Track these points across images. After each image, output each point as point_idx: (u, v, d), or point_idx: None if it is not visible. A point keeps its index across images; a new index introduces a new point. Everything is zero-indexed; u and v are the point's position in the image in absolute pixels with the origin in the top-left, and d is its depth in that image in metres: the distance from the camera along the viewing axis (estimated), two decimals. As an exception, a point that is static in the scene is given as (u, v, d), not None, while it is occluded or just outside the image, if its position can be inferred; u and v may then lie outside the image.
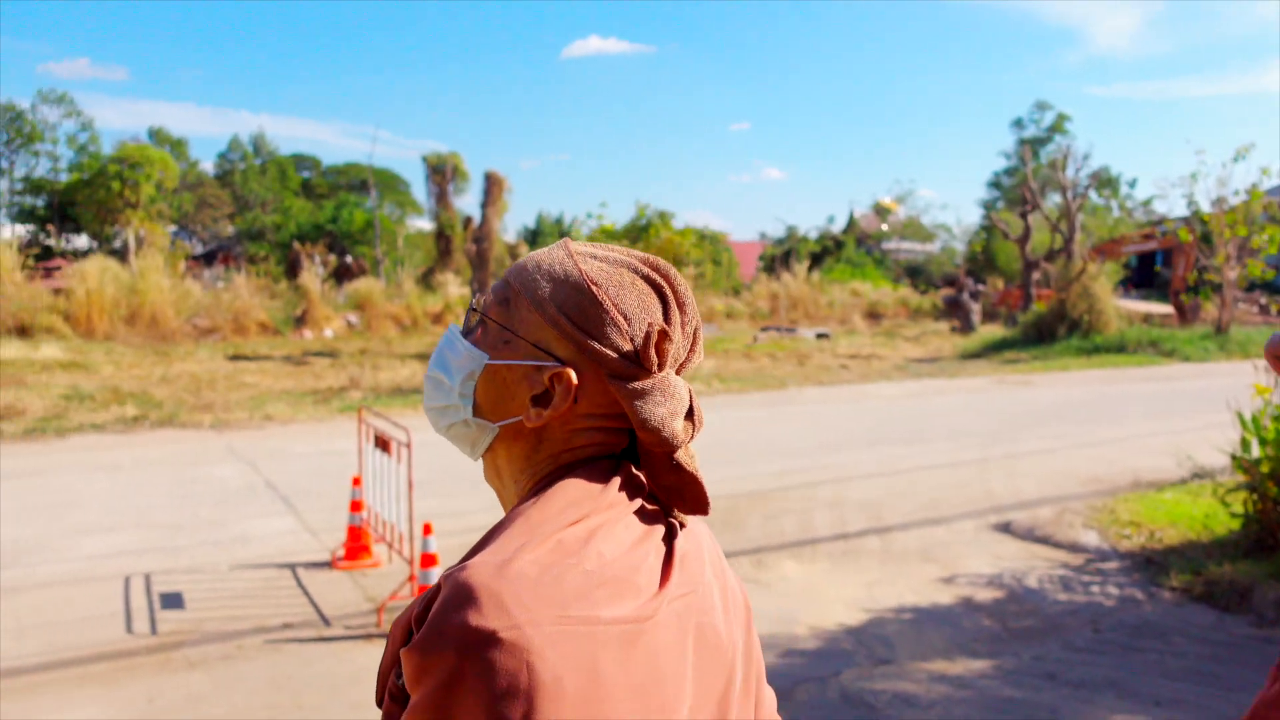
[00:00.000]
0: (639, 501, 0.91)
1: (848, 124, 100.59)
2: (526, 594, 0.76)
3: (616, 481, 0.90)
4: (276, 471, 8.69)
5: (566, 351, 0.90)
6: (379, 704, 0.87)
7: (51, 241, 37.04)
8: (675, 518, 0.93)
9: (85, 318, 21.77)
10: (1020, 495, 7.78)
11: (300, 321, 24.91)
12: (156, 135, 42.40)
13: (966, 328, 27.16)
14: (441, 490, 7.54)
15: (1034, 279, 27.55)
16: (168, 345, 21.62)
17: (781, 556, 6.12)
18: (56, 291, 22.81)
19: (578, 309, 0.89)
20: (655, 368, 0.89)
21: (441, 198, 31.04)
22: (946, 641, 4.68)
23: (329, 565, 5.88)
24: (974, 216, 66.66)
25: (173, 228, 38.11)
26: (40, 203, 38.50)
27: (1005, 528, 6.85)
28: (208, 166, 45.69)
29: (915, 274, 44.93)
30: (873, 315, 33.19)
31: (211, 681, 4.19)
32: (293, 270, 29.46)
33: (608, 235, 16.93)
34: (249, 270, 29.90)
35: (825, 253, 44.90)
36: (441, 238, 30.52)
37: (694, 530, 0.96)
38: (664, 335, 0.89)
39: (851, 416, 12.57)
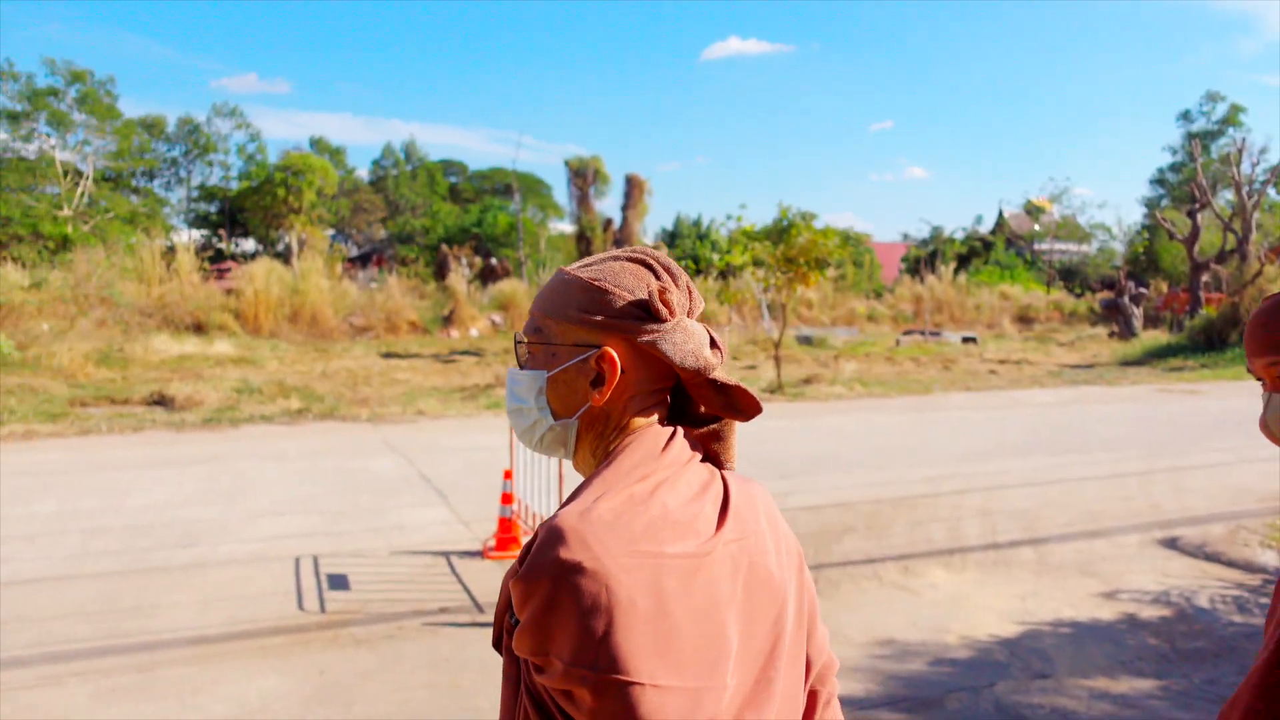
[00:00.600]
0: (694, 461, 1.08)
1: (997, 120, 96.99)
2: (604, 533, 0.95)
3: (673, 445, 1.07)
4: (429, 464, 9.06)
5: (599, 338, 1.08)
6: (495, 646, 1.05)
7: (223, 245, 39.70)
8: (726, 469, 1.12)
9: (253, 316, 23.27)
10: (1189, 510, 7.33)
11: (447, 321, 25.87)
12: (317, 144, 44.80)
13: (1127, 333, 25.76)
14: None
15: (1203, 281, 25.85)
16: (326, 342, 22.87)
17: (930, 564, 5.97)
18: (228, 292, 24.47)
19: (591, 302, 1.08)
20: (667, 316, 1.07)
21: (582, 200, 31.57)
22: (1108, 659, 4.47)
23: (480, 555, 6.10)
24: (1135, 215, 63.01)
25: (331, 231, 40.21)
26: (213, 209, 41.32)
27: (1172, 544, 6.47)
28: (363, 173, 48.01)
29: (1070, 276, 42.89)
30: (1023, 319, 31.88)
31: (377, 658, 4.42)
32: (441, 272, 30.62)
33: (748, 236, 16.87)
34: (400, 272, 31.23)
35: (972, 254, 43.40)
36: (582, 240, 31.07)
37: (748, 489, 1.13)
38: (663, 290, 1.08)
39: (1001, 424, 12.12)
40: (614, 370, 1.06)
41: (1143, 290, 28.78)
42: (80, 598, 5.29)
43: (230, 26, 79.70)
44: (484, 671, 4.29)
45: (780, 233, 18.39)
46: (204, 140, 40.60)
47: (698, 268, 27.75)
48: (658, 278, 1.10)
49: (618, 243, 23.69)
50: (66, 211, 29.06)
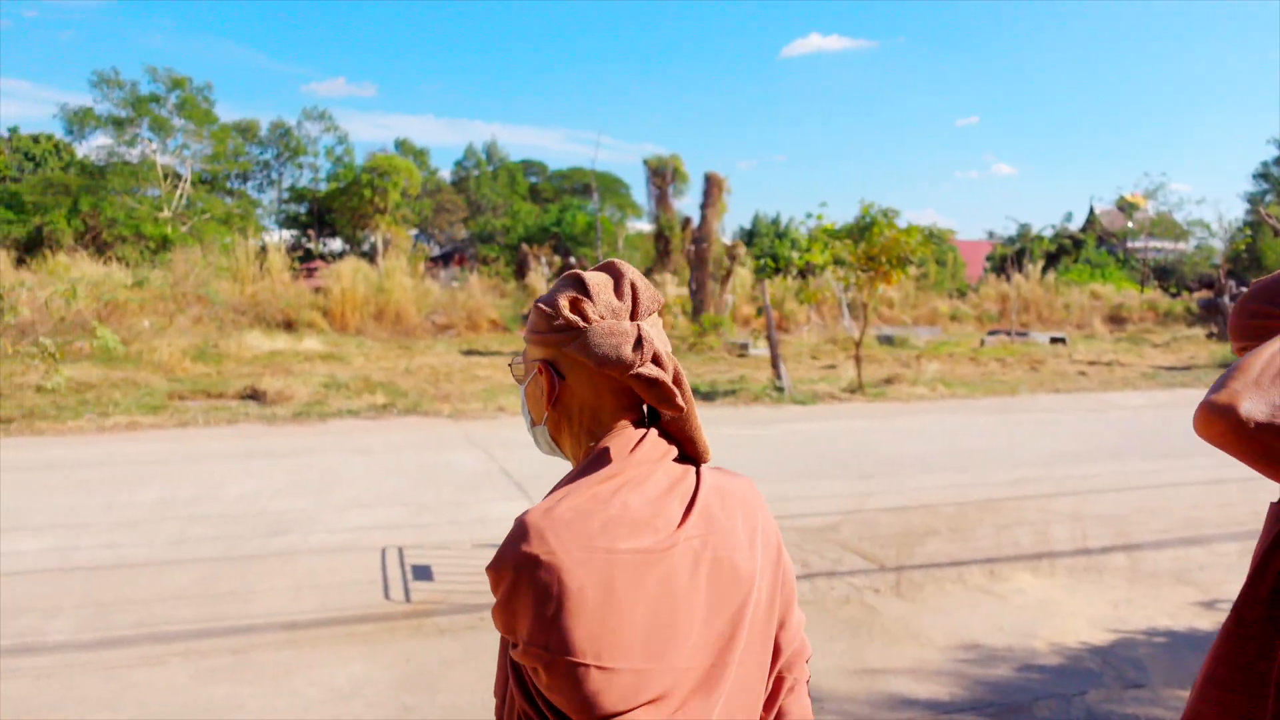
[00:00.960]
0: (666, 460, 1.18)
1: (1089, 113, 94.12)
2: (562, 530, 1.07)
3: (643, 446, 1.17)
4: (509, 459, 9.19)
5: (542, 353, 1.22)
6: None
7: (311, 245, 40.86)
8: (700, 468, 1.21)
9: (340, 314, 23.89)
10: (1294, 518, 7.00)
11: (527, 319, 26.14)
12: (402, 146, 45.76)
13: (1226, 334, 24.73)
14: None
15: (1309, 280, 24.59)
16: (409, 340, 23.35)
17: (1016, 568, 5.83)
18: (316, 290, 25.17)
19: (534, 322, 1.23)
20: (580, 322, 1.17)
21: (661, 199, 31.60)
22: (1208, 670, 4.30)
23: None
24: (1237, 211, 60.42)
25: (414, 231, 41.02)
26: (302, 210, 42.54)
27: (1276, 552, 6.19)
28: (445, 174, 48.87)
29: (1165, 275, 41.33)
30: (1115, 319, 30.84)
31: (461, 648, 4.51)
32: (521, 271, 31.00)
33: (829, 234, 16.69)
34: (480, 271, 31.70)
35: (1061, 252, 42.18)
36: (660, 239, 31.11)
37: (726, 485, 1.22)
38: (574, 299, 1.18)
39: (1092, 426, 11.76)
40: (547, 380, 1.21)
41: (1243, 289, 27.57)
42: (180, 582, 5.51)
43: (320, 33, 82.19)
44: (565, 664, 4.34)
45: (861, 230, 18.13)
46: (294, 143, 41.83)
47: (777, 266, 27.57)
48: (585, 291, 1.19)
49: (696, 241, 23.64)
50: (166, 213, 30.25)
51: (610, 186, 47.09)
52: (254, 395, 13.44)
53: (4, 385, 13.28)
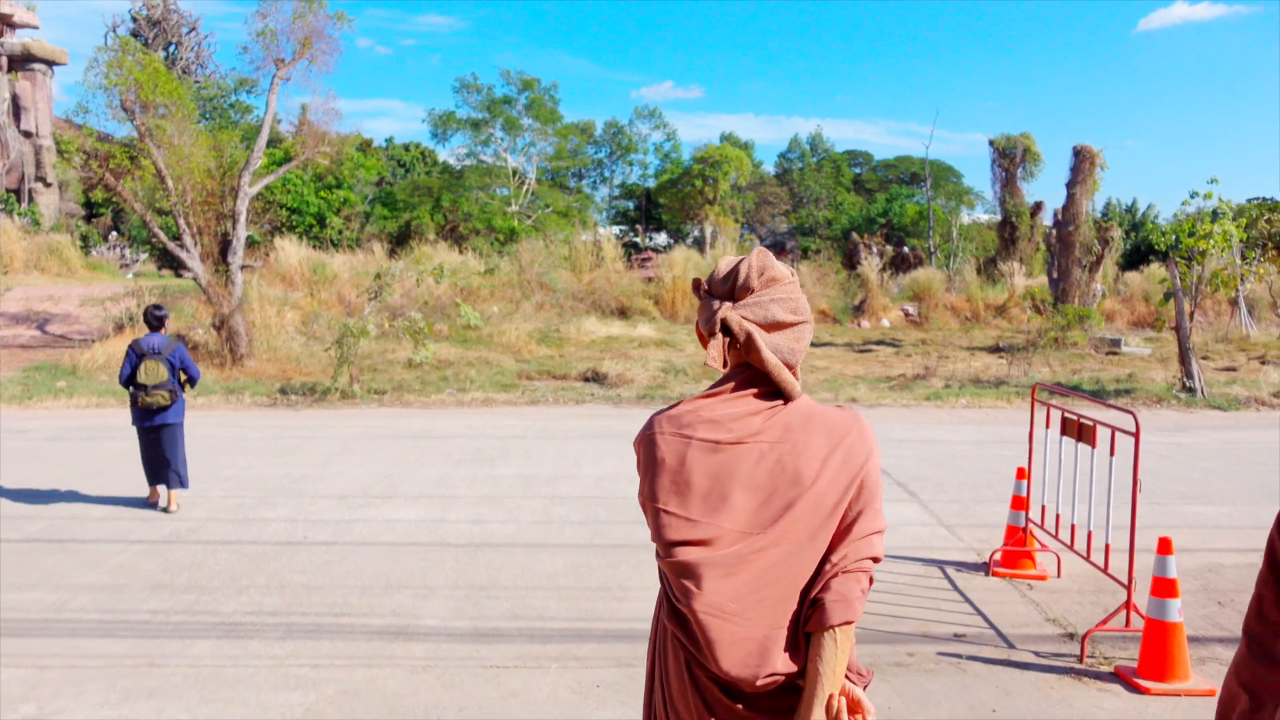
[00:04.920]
0: (759, 389, 1.62)
1: None
2: (665, 421, 1.64)
3: (740, 381, 1.63)
4: (881, 456, 8.08)
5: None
6: None
7: (638, 239, 41.93)
8: (799, 400, 1.63)
9: (670, 301, 23.84)
10: None
11: (858, 310, 24.78)
12: (728, 139, 45.82)
13: None
14: (1160, 495, 6.28)
15: None
16: (738, 330, 22.87)
17: None
18: (648, 280, 25.39)
19: None
20: (701, 298, 1.73)
21: (1008, 182, 28.85)
22: None
23: (983, 569, 4.97)
24: None
25: (738, 224, 40.86)
26: (631, 205, 43.84)
27: None
28: (768, 169, 48.34)
29: None
30: None
31: (893, 692, 3.50)
32: (850, 261, 29.55)
33: (1238, 212, 13.90)
34: (813, 260, 30.67)
35: None
36: (1005, 225, 28.41)
37: (817, 414, 1.61)
38: (696, 280, 1.74)
39: None
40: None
41: None
42: (549, 568, 4.98)
43: (650, 41, 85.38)
44: (1049, 735, 3.19)
45: (1274, 209, 14.98)
46: (626, 141, 43.20)
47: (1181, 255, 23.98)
48: (711, 273, 1.74)
49: (1059, 224, 21.07)
50: (514, 208, 32.13)
51: (941, 175, 44.18)
52: (595, 378, 13.34)
53: (379, 361, 14.18)
